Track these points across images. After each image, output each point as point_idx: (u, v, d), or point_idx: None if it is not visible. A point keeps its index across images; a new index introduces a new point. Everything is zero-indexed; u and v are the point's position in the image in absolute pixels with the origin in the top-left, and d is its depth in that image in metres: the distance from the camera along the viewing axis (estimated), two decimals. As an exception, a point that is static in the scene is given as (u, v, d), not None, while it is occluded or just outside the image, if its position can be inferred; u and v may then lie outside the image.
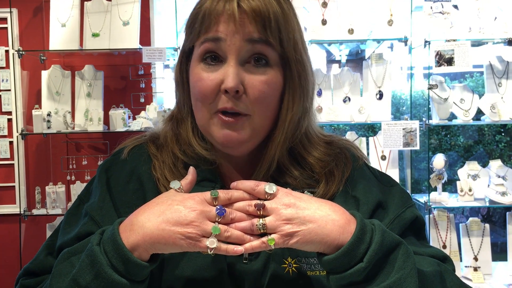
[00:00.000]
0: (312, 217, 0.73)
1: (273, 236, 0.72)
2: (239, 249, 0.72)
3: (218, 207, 0.73)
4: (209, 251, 0.71)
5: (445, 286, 0.79)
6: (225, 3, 0.79)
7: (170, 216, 0.72)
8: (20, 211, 2.78)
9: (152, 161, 0.91)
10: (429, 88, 2.53)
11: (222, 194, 0.75)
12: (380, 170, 1.02)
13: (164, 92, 3.04)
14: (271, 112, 0.84)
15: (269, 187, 0.75)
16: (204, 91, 0.81)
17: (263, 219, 0.73)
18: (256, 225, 0.73)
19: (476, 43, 2.68)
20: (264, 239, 0.73)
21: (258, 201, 0.75)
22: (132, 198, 0.88)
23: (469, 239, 2.68)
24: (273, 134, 0.86)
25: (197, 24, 0.81)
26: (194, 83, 0.83)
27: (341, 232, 0.73)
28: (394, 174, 2.67)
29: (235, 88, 0.79)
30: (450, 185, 3.79)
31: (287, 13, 0.82)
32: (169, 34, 2.88)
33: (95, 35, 2.71)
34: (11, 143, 2.87)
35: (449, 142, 5.00)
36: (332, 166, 0.90)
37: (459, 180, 2.72)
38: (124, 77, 2.92)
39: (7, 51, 2.84)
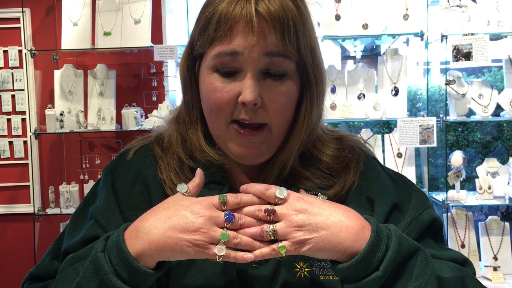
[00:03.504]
0: (325, 223, 0.70)
1: (284, 243, 0.69)
2: (248, 256, 0.69)
3: (227, 213, 0.70)
4: (217, 259, 0.68)
5: None
6: (242, 7, 0.74)
7: (176, 222, 0.69)
8: (34, 211, 2.79)
9: (158, 163, 0.88)
10: (446, 84, 2.47)
11: (231, 198, 0.72)
12: (396, 168, 0.98)
13: (176, 90, 3.03)
14: (288, 122, 0.82)
15: (280, 192, 0.72)
16: (220, 103, 0.78)
17: (274, 225, 0.70)
18: (266, 231, 0.70)
19: (495, 37, 2.61)
20: (275, 246, 0.70)
21: (268, 207, 0.71)
22: (138, 200, 0.86)
23: (489, 238, 2.62)
24: (287, 140, 0.83)
25: (211, 30, 0.77)
26: (208, 93, 0.80)
27: (355, 240, 0.70)
28: (410, 171, 2.62)
29: (253, 102, 0.76)
30: (468, 183, 3.72)
31: (304, 15, 0.79)
32: (181, 32, 2.86)
33: (106, 33, 2.70)
34: (25, 142, 2.89)
35: (466, 139, 4.91)
36: (347, 158, 0.87)
37: (477, 177, 2.66)
38: (136, 76, 2.91)
39: (20, 51, 2.85)
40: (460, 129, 4.87)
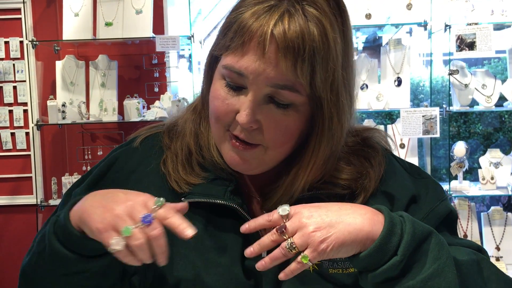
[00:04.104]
0: (338, 217, 0.69)
1: (305, 252, 0.68)
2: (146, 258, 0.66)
3: (147, 215, 0.65)
4: (109, 249, 0.65)
5: (482, 275, 0.75)
6: (260, 25, 0.69)
7: (106, 197, 0.70)
8: (37, 202, 2.79)
9: (163, 154, 0.86)
10: (449, 74, 2.46)
11: (165, 209, 0.67)
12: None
13: (178, 81, 3.02)
14: (287, 149, 0.78)
15: (282, 210, 0.70)
16: (218, 113, 0.76)
17: (291, 238, 0.68)
18: (286, 247, 0.68)
19: (499, 27, 2.60)
20: (298, 258, 0.68)
21: (278, 225, 0.70)
22: (133, 188, 0.83)
23: (491, 229, 2.63)
24: (294, 174, 0.79)
25: (228, 37, 0.73)
26: (212, 98, 0.78)
27: (373, 224, 0.69)
28: (413, 162, 2.61)
29: (248, 125, 0.73)
30: (470, 174, 3.71)
31: (329, 44, 0.71)
32: (183, 23, 2.85)
33: (108, 24, 2.68)
34: (27, 134, 2.88)
35: (467, 130, 4.90)
36: (367, 171, 0.82)
37: (479, 168, 2.66)
38: (138, 67, 2.90)
39: (21, 42, 2.84)
40: (462, 120, 4.86)
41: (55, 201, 2.75)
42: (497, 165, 2.63)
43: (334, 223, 0.68)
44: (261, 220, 0.71)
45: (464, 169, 2.58)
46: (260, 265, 0.70)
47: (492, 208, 2.65)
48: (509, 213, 2.63)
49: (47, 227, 0.75)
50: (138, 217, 0.65)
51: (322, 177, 0.80)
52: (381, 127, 2.72)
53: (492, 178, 2.57)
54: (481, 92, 2.59)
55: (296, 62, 0.69)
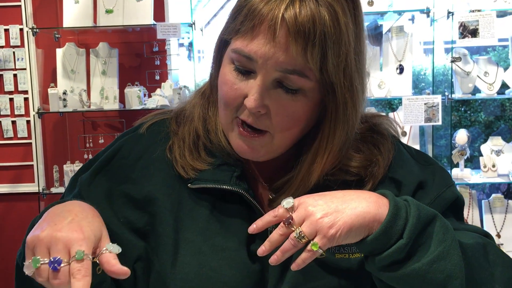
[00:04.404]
0: (344, 203, 0.70)
1: (315, 240, 0.68)
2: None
3: (56, 259, 0.61)
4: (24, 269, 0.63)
5: (488, 259, 0.75)
6: (271, 9, 0.68)
7: (61, 214, 0.67)
8: (39, 190, 2.79)
9: (170, 141, 0.86)
10: (452, 61, 2.46)
11: (78, 265, 0.61)
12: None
13: (180, 69, 3.01)
14: (294, 136, 0.77)
15: (287, 203, 0.70)
16: (226, 98, 0.76)
17: (299, 228, 0.68)
18: (295, 238, 0.68)
19: (501, 14, 2.58)
20: (309, 246, 0.68)
21: (284, 218, 0.69)
22: (139, 175, 0.84)
23: (492, 216, 2.63)
24: (309, 163, 0.78)
25: (238, 21, 0.72)
26: (220, 83, 0.77)
27: (378, 206, 0.70)
28: (414, 150, 2.62)
29: (255, 110, 0.73)
30: (470, 162, 3.72)
31: (341, 29, 0.70)
32: (184, 10, 2.83)
33: (108, 11, 2.67)
34: (28, 122, 2.88)
35: (469, 119, 4.89)
36: (376, 158, 0.82)
37: (480, 156, 2.66)
38: (139, 55, 2.89)
39: (21, 30, 2.82)
40: (462, 109, 4.85)
41: (57, 189, 2.76)
42: (498, 152, 2.64)
43: (340, 209, 0.69)
44: (267, 218, 0.72)
45: (465, 157, 2.59)
46: (273, 259, 0.70)
47: (493, 195, 2.65)
48: (510, 201, 2.64)
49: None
50: (51, 255, 0.62)
51: (335, 165, 0.80)
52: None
53: (493, 166, 2.57)
54: (483, 79, 2.58)
55: (306, 47, 0.68)
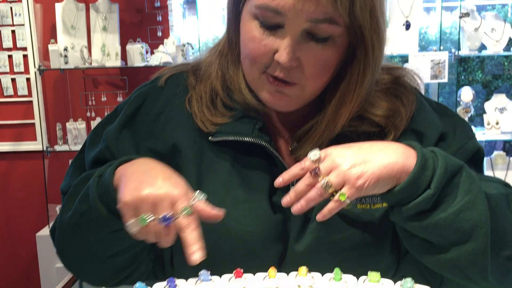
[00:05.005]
0: (371, 153, 0.70)
1: (342, 190, 0.68)
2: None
3: (168, 217, 0.65)
4: (126, 228, 0.68)
5: (510, 209, 0.76)
6: None
7: (149, 173, 0.70)
8: (43, 148, 2.78)
9: (188, 93, 0.86)
10: (460, 17, 2.43)
11: (184, 220, 0.67)
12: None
13: (182, 26, 2.95)
14: (324, 84, 0.77)
15: (313, 155, 0.70)
16: (255, 55, 0.74)
17: (326, 177, 0.68)
18: (322, 187, 0.68)
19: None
20: (336, 196, 0.68)
21: (312, 169, 0.69)
22: (161, 130, 0.85)
23: (493, 173, 2.67)
24: (335, 108, 0.78)
25: None
26: (245, 40, 0.76)
27: (406, 157, 0.70)
28: (419, 107, 2.62)
29: (289, 64, 0.72)
30: (471, 121, 3.73)
31: None
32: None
33: (109, -36, 2.58)
34: (28, 79, 2.83)
35: (467, 78, 4.89)
36: (399, 110, 0.83)
37: (484, 113, 2.67)
38: (140, 10, 2.81)
39: (18, -17, 2.74)
40: (461, 68, 4.83)
41: (60, 147, 2.74)
42: (502, 110, 2.65)
43: (368, 159, 0.69)
44: (294, 170, 0.72)
45: (469, 114, 2.60)
46: (296, 208, 0.71)
47: (495, 152, 2.68)
48: (511, 158, 2.67)
49: (91, 189, 0.75)
50: (160, 213, 0.66)
51: (357, 111, 0.80)
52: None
53: (497, 123, 2.59)
54: (490, 36, 2.56)
55: None
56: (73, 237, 0.81)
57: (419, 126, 0.84)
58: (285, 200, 0.72)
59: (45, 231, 2.70)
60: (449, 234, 0.71)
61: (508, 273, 0.75)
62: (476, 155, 0.85)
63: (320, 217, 0.70)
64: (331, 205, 0.69)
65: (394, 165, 0.69)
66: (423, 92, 0.94)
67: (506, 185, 0.83)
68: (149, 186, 0.67)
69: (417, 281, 0.66)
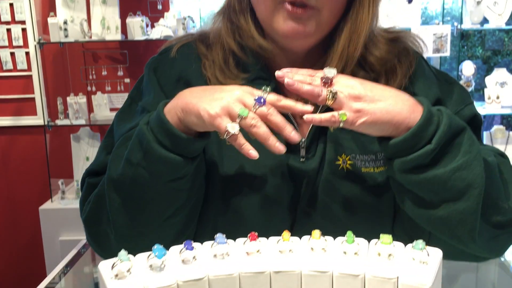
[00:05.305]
0: (382, 95, 0.71)
1: (344, 110, 0.69)
2: (253, 154, 0.68)
3: (261, 96, 0.68)
4: (224, 136, 0.68)
5: (503, 177, 0.78)
6: None
7: (209, 90, 0.72)
8: (44, 122, 2.77)
9: (201, 61, 0.87)
10: (464, -10, 2.41)
11: (273, 95, 0.71)
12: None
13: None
14: (340, 9, 0.79)
15: (329, 71, 0.71)
16: None
17: (334, 88, 0.70)
18: (327, 92, 0.69)
19: None
20: (335, 113, 0.69)
21: (324, 75, 0.71)
22: None
23: (493, 147, 2.69)
24: (346, 39, 0.80)
25: None
26: None
27: (412, 111, 0.71)
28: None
29: None
30: (472, 96, 3.74)
31: None
32: None
33: None
34: (27, 53, 2.81)
35: (466, 54, 4.87)
36: (394, 63, 0.84)
37: (485, 88, 2.68)
38: (139, -18, 2.78)
39: (15, -46, 2.69)
40: (460, 44, 4.81)
41: (62, 121, 2.74)
42: (502, 84, 2.65)
43: (376, 100, 0.70)
44: (303, 71, 0.73)
45: (470, 89, 2.60)
46: (286, 81, 0.71)
47: (495, 127, 2.70)
48: (511, 132, 2.69)
49: (140, 135, 0.73)
50: (251, 101, 0.69)
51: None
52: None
53: (497, 98, 2.59)
54: (492, 9, 2.55)
55: None
56: (129, 195, 0.77)
57: (416, 89, 0.85)
58: (280, 72, 0.72)
59: (48, 205, 2.71)
60: (443, 191, 0.72)
61: (496, 239, 0.77)
62: (473, 121, 0.86)
63: (308, 118, 0.70)
64: (326, 117, 0.69)
65: (396, 114, 0.70)
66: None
67: (500, 154, 0.85)
68: (222, 93, 0.70)
69: (405, 243, 0.66)
